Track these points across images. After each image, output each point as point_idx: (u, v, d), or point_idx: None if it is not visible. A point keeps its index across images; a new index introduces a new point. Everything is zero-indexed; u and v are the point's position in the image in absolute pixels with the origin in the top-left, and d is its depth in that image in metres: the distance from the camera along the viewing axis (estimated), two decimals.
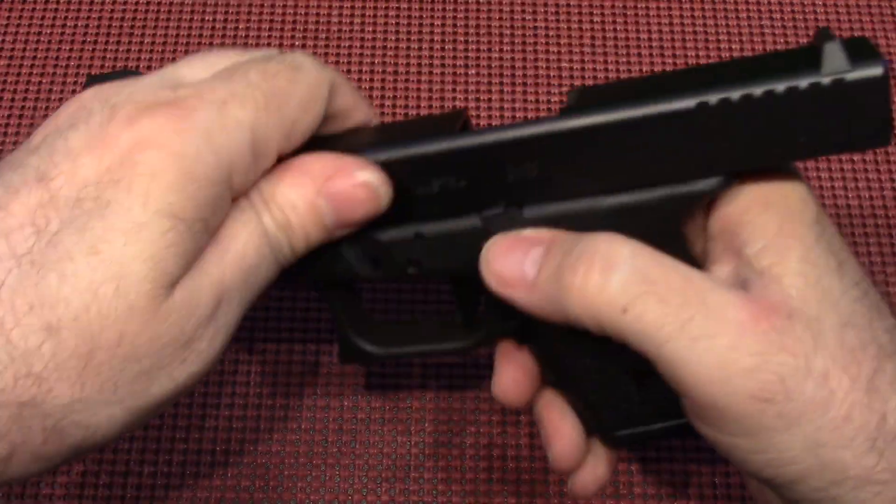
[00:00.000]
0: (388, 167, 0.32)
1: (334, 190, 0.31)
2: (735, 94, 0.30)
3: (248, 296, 0.31)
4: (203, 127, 0.28)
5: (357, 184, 0.31)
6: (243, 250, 0.30)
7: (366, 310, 0.41)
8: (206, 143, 0.28)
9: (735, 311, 0.28)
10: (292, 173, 0.31)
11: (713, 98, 0.30)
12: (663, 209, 0.32)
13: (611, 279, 0.29)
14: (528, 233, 0.33)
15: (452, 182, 0.33)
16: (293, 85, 0.31)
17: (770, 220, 0.30)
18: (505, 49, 0.58)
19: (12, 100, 0.56)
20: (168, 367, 0.29)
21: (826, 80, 0.29)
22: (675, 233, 0.32)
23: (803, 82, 0.29)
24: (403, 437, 0.48)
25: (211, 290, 0.29)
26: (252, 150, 0.30)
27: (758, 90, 0.30)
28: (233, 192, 0.30)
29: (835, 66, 0.29)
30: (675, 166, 0.31)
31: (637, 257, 0.30)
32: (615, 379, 0.34)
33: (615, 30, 0.59)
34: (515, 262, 0.32)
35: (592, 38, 0.59)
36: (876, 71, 0.29)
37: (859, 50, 0.30)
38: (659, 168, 0.31)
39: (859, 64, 0.29)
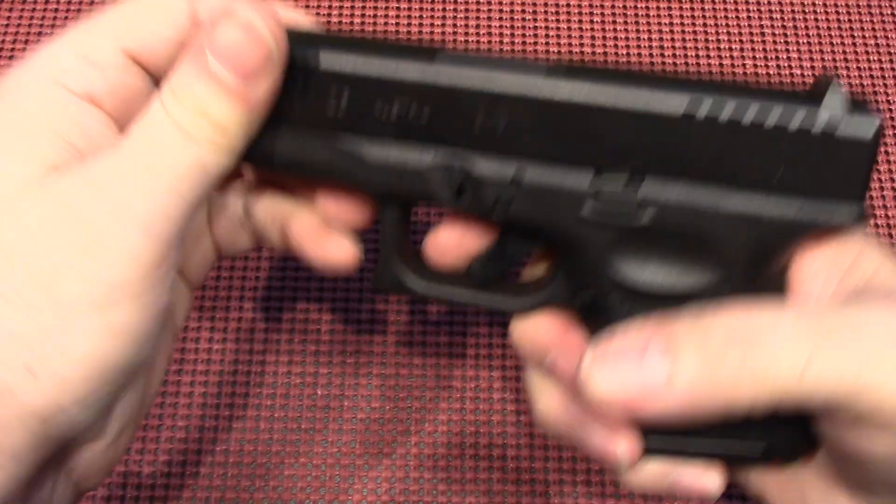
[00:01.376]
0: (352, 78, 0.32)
1: (218, 43, 0.30)
2: (726, 111, 0.30)
3: (176, 191, 0.30)
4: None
5: (239, 26, 0.30)
6: (148, 146, 0.30)
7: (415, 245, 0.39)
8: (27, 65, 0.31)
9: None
10: (182, 53, 0.31)
11: (703, 108, 0.30)
12: (787, 228, 0.31)
13: (782, 351, 0.28)
14: (628, 334, 0.31)
15: (414, 110, 0.32)
16: None
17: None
18: (505, 49, 0.58)
19: None
20: (77, 264, 0.28)
21: (822, 119, 0.30)
22: (786, 252, 0.32)
23: (799, 116, 0.30)
24: (403, 437, 0.48)
25: (108, 177, 0.29)
26: (78, 55, 0.31)
27: (751, 112, 0.30)
28: (94, 98, 0.31)
29: (833, 110, 0.30)
30: (641, 161, 0.31)
31: (799, 320, 0.29)
32: None
33: (615, 30, 0.59)
34: (633, 373, 0.29)
35: (592, 37, 0.59)
36: (869, 129, 0.30)
37: (860, 104, 0.30)
38: (615, 159, 0.31)
39: (856, 116, 0.30)
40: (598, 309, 0.34)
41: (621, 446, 0.33)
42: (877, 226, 0.54)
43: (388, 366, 0.50)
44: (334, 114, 0.33)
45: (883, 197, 0.55)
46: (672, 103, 0.31)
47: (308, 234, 0.38)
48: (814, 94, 0.31)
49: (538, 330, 0.35)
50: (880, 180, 0.55)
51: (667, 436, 0.33)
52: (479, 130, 0.32)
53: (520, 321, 0.36)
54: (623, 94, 0.31)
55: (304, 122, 0.33)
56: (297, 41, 0.32)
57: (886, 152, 0.56)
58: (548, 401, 0.35)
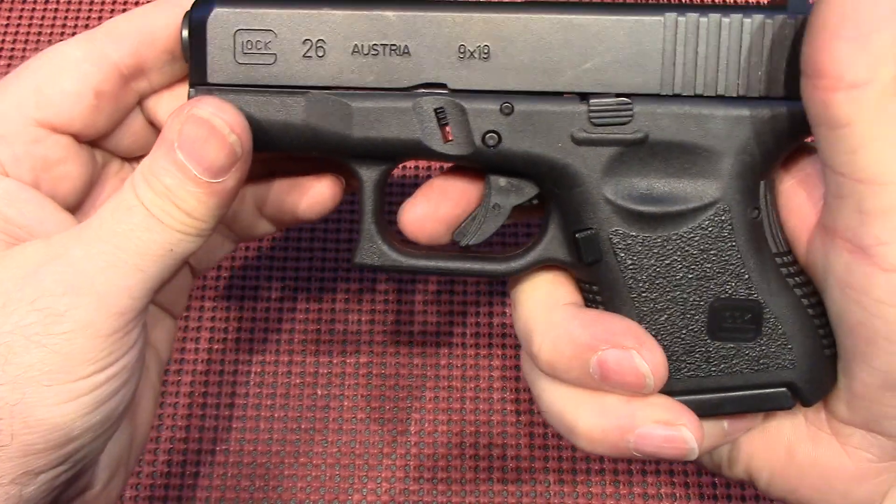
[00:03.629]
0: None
1: (185, 140, 0.30)
2: (704, 17, 0.32)
3: (140, 269, 0.30)
4: None
5: (195, 121, 0.30)
6: (115, 225, 0.30)
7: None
8: None
9: None
10: (157, 142, 0.31)
11: (685, 15, 0.31)
12: (774, 126, 0.32)
13: None
14: None
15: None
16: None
17: None
18: None
19: None
20: (34, 336, 0.28)
21: (790, 19, 0.31)
22: (775, 158, 0.33)
23: (770, 18, 0.31)
24: (403, 437, 0.48)
25: (71, 251, 0.30)
26: (35, 95, 0.32)
27: (727, 18, 0.32)
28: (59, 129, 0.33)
29: (798, 8, 0.31)
30: (621, 73, 0.32)
31: None
32: (688, 320, 0.33)
33: None
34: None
35: None
36: None
37: None
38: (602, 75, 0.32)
39: None
40: (596, 252, 0.33)
41: (687, 430, 0.32)
42: None
43: (388, 366, 0.50)
44: (317, 70, 0.33)
45: None
46: (653, 17, 0.32)
47: (291, 188, 0.39)
48: (778, 5, 0.32)
49: (573, 332, 0.33)
50: None
51: (700, 398, 0.33)
52: (466, 58, 0.32)
53: (549, 332, 0.33)
54: (606, 12, 0.32)
55: (291, 85, 0.33)
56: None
57: None
58: (593, 415, 0.32)
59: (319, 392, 0.49)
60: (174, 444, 0.48)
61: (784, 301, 0.33)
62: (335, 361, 0.50)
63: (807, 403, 0.33)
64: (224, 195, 0.31)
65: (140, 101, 0.36)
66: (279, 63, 0.33)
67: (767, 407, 0.33)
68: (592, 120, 0.32)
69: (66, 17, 0.58)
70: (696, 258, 0.32)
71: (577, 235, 0.33)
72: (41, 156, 0.33)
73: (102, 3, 0.59)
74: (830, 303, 0.31)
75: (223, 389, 0.49)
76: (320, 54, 0.33)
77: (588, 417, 0.32)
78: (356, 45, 0.32)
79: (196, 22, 0.33)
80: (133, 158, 0.38)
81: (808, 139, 0.32)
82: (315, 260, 0.52)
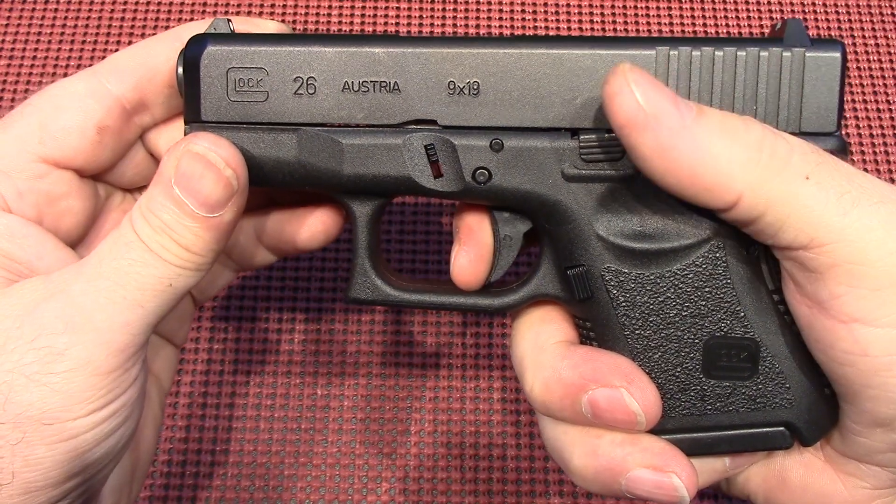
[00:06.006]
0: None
1: (182, 176, 0.31)
2: (696, 51, 0.31)
3: (140, 305, 0.30)
4: None
5: (191, 156, 0.31)
6: (114, 260, 0.30)
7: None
8: None
9: None
10: (154, 178, 0.32)
11: (677, 48, 0.31)
12: None
13: (792, 153, 0.29)
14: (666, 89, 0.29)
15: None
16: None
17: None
18: None
19: (12, 100, 0.56)
20: (33, 374, 0.28)
21: (786, 53, 0.31)
22: None
23: (765, 50, 0.31)
24: (403, 437, 0.48)
25: (71, 288, 0.30)
26: (38, 128, 0.33)
27: (720, 51, 0.31)
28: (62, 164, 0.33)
29: (795, 40, 0.31)
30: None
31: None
32: (683, 358, 0.32)
33: (615, 30, 0.59)
34: (659, 100, 0.28)
35: None
36: (834, 53, 0.31)
37: (820, 39, 0.32)
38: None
39: (819, 45, 0.31)
40: (588, 289, 0.33)
41: (677, 478, 0.31)
42: None
43: (388, 366, 0.50)
44: (308, 107, 0.33)
45: None
46: (644, 52, 0.31)
47: (291, 218, 0.39)
48: (775, 37, 0.32)
49: (561, 372, 0.32)
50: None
51: (695, 437, 0.33)
52: (455, 94, 0.32)
53: (539, 373, 0.33)
54: (597, 46, 0.32)
55: (283, 122, 0.33)
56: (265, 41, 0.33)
57: (886, 152, 0.56)
58: (585, 456, 0.32)
59: (319, 392, 0.49)
60: (174, 444, 0.48)
61: (782, 340, 0.32)
62: (335, 361, 0.50)
63: (806, 443, 0.33)
64: (221, 229, 0.31)
65: (142, 135, 0.36)
66: (271, 100, 0.33)
67: (765, 446, 0.33)
68: (583, 156, 0.32)
69: (65, 18, 0.58)
70: (691, 296, 0.32)
71: (568, 272, 0.33)
72: (44, 191, 0.33)
73: (102, 4, 0.59)
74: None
75: (223, 389, 0.49)
76: (311, 91, 0.33)
77: (581, 457, 0.32)
78: (346, 82, 0.33)
79: (190, 60, 0.33)
80: (135, 190, 0.38)
81: None
82: (314, 269, 0.52)
